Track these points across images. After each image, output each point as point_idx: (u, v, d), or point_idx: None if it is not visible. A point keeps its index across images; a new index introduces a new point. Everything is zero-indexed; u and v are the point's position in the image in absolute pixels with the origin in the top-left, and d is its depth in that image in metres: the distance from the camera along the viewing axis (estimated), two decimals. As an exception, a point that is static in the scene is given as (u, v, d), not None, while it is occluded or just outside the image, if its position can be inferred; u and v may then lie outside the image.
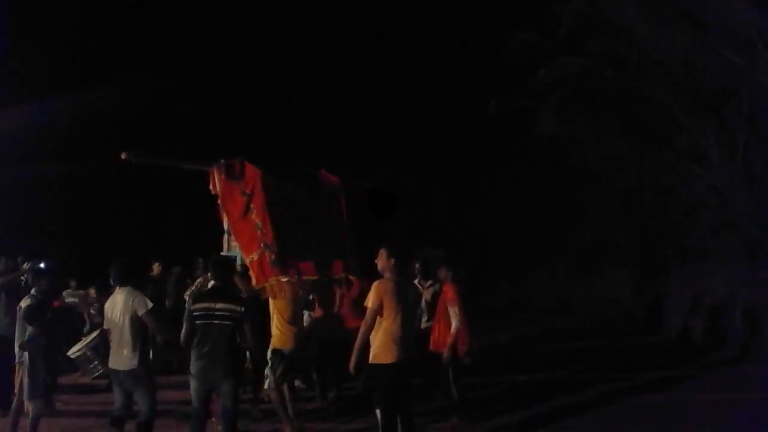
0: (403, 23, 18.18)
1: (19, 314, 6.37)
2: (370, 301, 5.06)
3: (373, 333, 5.08)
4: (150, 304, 5.41)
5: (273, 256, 6.16)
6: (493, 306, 18.56)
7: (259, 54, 16.65)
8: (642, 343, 11.62)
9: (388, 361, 5.04)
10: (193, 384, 5.26)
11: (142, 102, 14.84)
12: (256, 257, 6.25)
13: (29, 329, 6.18)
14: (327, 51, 17.85)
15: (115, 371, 5.47)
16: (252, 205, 6.30)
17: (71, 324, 10.32)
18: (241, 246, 6.45)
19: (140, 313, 5.33)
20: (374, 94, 18.66)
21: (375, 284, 5.15)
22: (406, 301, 5.17)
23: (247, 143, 6.67)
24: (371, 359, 5.12)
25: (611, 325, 13.77)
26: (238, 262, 6.56)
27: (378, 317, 5.05)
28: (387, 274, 5.17)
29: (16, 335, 6.71)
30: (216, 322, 5.19)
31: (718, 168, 11.61)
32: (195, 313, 5.25)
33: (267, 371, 6.26)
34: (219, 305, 5.23)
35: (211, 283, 5.88)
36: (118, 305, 5.46)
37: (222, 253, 6.73)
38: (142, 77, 14.76)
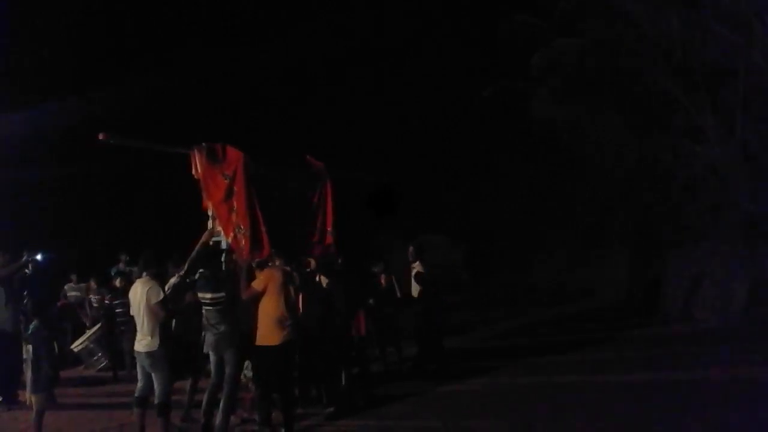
0: (399, 7, 18.03)
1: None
2: (257, 284, 5.91)
3: (259, 317, 5.88)
4: (161, 295, 5.85)
5: (243, 241, 6.20)
6: (493, 292, 18.60)
7: (259, 51, 16.52)
8: (633, 325, 11.58)
9: (271, 344, 5.79)
10: (210, 357, 6.12)
11: (141, 104, 14.79)
12: (230, 240, 6.35)
13: (33, 322, 6.22)
14: (325, 40, 17.70)
15: (138, 353, 5.92)
16: (234, 187, 6.27)
17: (74, 318, 10.38)
18: (222, 228, 6.46)
19: (152, 302, 5.78)
20: (370, 81, 18.58)
21: (264, 271, 6.02)
22: (288, 287, 5.95)
23: (248, 142, 6.62)
24: (257, 341, 5.85)
25: (609, 307, 13.82)
26: (224, 245, 6.55)
27: (264, 302, 5.85)
28: (274, 263, 6.10)
29: None
30: (217, 307, 5.98)
31: (716, 147, 11.58)
32: (201, 301, 6.05)
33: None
34: (210, 294, 5.98)
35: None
36: (138, 293, 5.91)
37: (214, 239, 6.68)
38: (142, 79, 14.71)
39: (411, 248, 8.86)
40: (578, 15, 12.67)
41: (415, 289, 8.74)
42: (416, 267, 8.75)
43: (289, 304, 5.97)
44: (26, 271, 7.95)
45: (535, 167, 16.56)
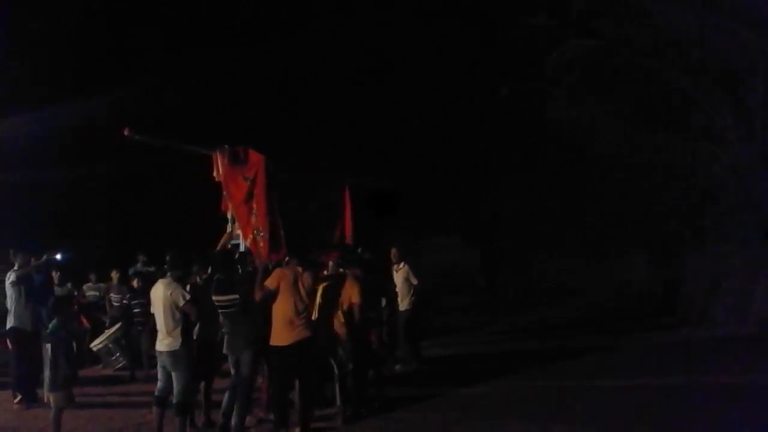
0: (403, 9, 18.02)
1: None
2: (269, 283, 5.82)
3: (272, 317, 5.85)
4: (188, 296, 5.91)
5: (262, 243, 6.26)
6: (507, 294, 18.54)
7: (261, 52, 16.57)
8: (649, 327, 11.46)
9: (282, 343, 5.76)
10: (229, 358, 6.15)
11: (145, 107, 14.93)
12: (248, 242, 6.41)
13: (53, 321, 6.27)
14: (337, 40, 17.72)
15: (159, 353, 5.98)
16: (255, 191, 6.33)
17: (92, 317, 10.48)
18: (241, 230, 6.52)
19: (180, 304, 5.85)
20: (384, 83, 18.57)
21: (275, 271, 5.99)
22: (299, 287, 5.89)
23: (247, 142, 6.71)
24: (270, 341, 5.85)
25: (626, 309, 13.69)
26: (242, 247, 6.59)
27: (276, 302, 5.81)
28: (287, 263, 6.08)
29: None
30: (231, 310, 5.99)
31: (735, 148, 11.44)
32: (216, 304, 6.07)
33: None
34: (224, 297, 5.97)
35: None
36: (159, 294, 5.96)
37: (232, 242, 6.76)
38: (145, 80, 14.82)
39: (394, 250, 8.74)
40: (594, 15, 12.56)
41: (403, 292, 8.67)
42: (402, 269, 8.70)
43: (300, 304, 5.92)
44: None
45: (550, 168, 16.49)
